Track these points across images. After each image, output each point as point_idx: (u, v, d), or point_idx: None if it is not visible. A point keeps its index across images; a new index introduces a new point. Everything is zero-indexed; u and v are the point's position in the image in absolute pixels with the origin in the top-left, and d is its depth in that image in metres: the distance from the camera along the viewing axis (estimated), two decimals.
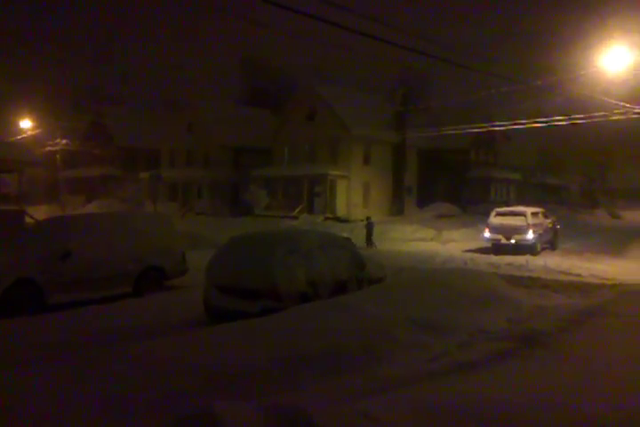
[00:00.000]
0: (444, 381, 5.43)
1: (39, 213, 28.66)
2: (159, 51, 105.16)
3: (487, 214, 22.25)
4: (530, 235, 20.14)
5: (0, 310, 9.48)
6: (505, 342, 6.90)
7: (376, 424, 3.87)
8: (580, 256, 20.24)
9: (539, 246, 20.86)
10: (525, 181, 48.04)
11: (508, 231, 20.47)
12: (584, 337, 7.13)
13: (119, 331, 8.37)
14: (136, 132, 47.28)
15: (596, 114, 23.23)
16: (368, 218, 24.42)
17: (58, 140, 46.91)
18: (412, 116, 39.11)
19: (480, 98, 31.23)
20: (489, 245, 21.45)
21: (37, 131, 41.22)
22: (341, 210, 35.04)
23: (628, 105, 20.90)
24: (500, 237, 20.74)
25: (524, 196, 46.53)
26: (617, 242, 23.95)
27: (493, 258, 19.38)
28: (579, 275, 15.44)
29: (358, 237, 22.52)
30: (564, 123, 26.16)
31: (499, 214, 21.53)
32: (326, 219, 33.03)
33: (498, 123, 29.14)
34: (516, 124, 27.64)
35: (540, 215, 21.85)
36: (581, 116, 24.35)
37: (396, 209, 37.85)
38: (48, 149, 47.37)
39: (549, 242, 22.18)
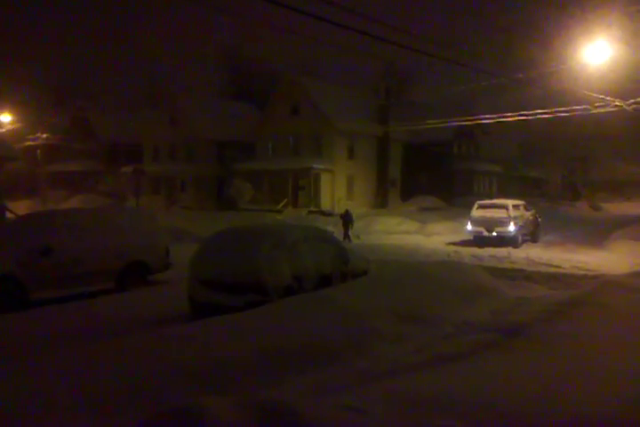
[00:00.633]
0: (427, 373, 5.48)
1: (20, 208, 28.30)
2: (141, 44, 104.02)
3: (470, 207, 22.37)
4: (511, 227, 20.29)
5: None
6: (488, 334, 6.97)
7: (360, 417, 3.89)
8: (562, 248, 20.47)
9: (520, 239, 21.01)
10: (507, 174, 48.40)
11: (490, 224, 20.62)
12: (566, 328, 7.21)
13: (101, 327, 8.31)
14: (118, 126, 46.83)
15: (577, 107, 23.43)
16: (346, 210, 24.12)
17: (39, 135, 46.32)
18: (396, 110, 39.18)
19: (462, 91, 31.37)
20: (472, 237, 21.59)
21: (18, 125, 40.61)
22: (326, 203, 35.06)
23: (608, 98, 21.10)
24: (481, 229, 20.89)
25: (507, 188, 46.90)
26: (598, 234, 24.24)
27: (476, 250, 19.55)
28: (560, 266, 15.62)
29: (342, 231, 22.59)
30: (545, 116, 26.36)
31: (480, 207, 21.65)
32: (311, 212, 33.03)
33: (481, 116, 29.24)
34: (500, 117, 27.78)
35: (521, 208, 21.99)
36: (562, 109, 24.54)
37: (381, 202, 37.98)
38: (29, 143, 46.78)
39: (531, 234, 22.34)
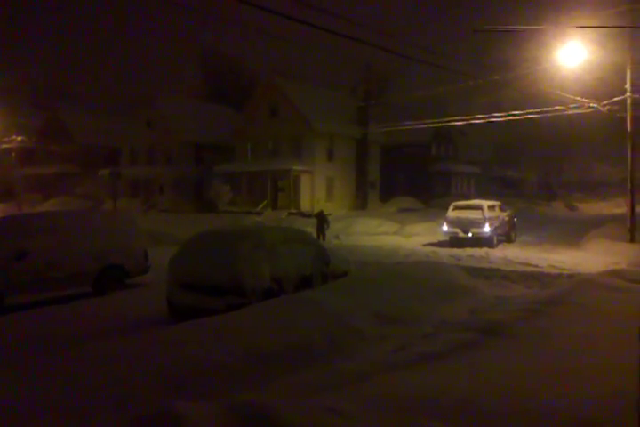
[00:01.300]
0: (407, 372, 5.50)
1: None
2: (118, 47, 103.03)
3: (448, 208, 22.49)
4: (486, 228, 20.37)
5: None
6: (467, 333, 7.03)
7: (341, 418, 3.90)
8: (539, 247, 20.73)
9: (496, 239, 21.11)
10: (485, 175, 48.92)
11: (466, 225, 20.67)
12: (543, 326, 7.30)
13: (78, 331, 8.20)
14: (95, 128, 46.30)
15: (552, 108, 23.76)
16: (320, 211, 24.05)
17: (14, 137, 45.51)
18: (375, 112, 39.35)
19: (440, 93, 31.62)
20: (447, 238, 21.66)
21: None
22: (305, 205, 35.05)
23: (583, 99, 21.44)
24: (457, 230, 20.92)
25: (484, 189, 47.42)
26: (574, 233, 24.59)
27: (455, 250, 19.70)
28: (537, 266, 15.80)
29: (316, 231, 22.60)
30: (521, 117, 26.68)
31: (456, 208, 21.67)
32: (290, 214, 33.00)
33: (458, 118, 29.50)
34: (476, 118, 28.03)
35: (496, 208, 22.07)
36: (538, 110, 24.87)
37: (360, 203, 38.09)
38: (4, 146, 45.96)
39: (506, 234, 22.44)
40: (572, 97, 21.57)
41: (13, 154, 45.92)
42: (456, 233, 21.00)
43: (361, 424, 3.93)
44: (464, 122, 29.34)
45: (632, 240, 18.72)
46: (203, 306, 8.49)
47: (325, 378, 5.43)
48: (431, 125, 32.50)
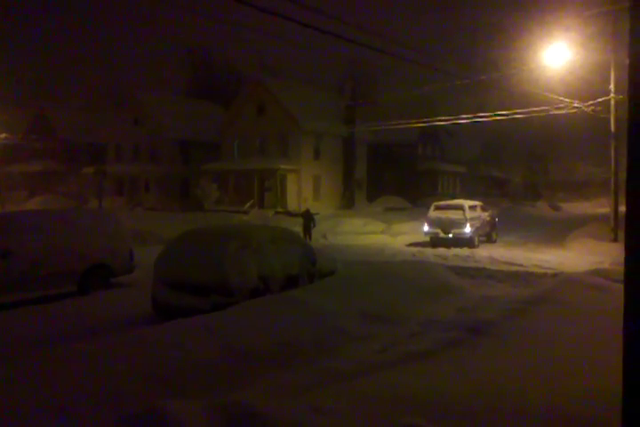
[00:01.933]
0: (393, 371, 5.52)
1: None
2: (104, 43, 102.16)
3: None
4: (467, 228, 20.24)
5: None
6: (453, 332, 7.07)
7: (325, 417, 3.90)
8: (523, 247, 20.89)
9: (477, 240, 20.95)
10: (471, 175, 49.22)
11: (447, 225, 20.49)
12: (528, 325, 7.37)
13: (63, 330, 8.13)
14: (80, 125, 45.89)
15: (538, 108, 23.95)
16: (307, 210, 23.90)
17: None
18: (362, 111, 39.42)
19: (427, 93, 31.74)
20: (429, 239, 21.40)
21: None
22: (292, 204, 35.03)
23: (567, 100, 21.63)
24: (438, 230, 20.74)
25: (471, 188, 47.72)
26: (558, 233, 24.83)
27: (441, 250, 19.77)
28: (522, 265, 15.93)
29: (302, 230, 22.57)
30: (507, 117, 26.85)
31: (437, 208, 21.49)
32: (277, 213, 32.95)
33: (444, 117, 29.62)
34: (461, 118, 28.16)
35: (478, 208, 21.95)
36: (523, 110, 25.03)
37: (347, 203, 38.14)
38: None
39: (487, 235, 22.32)
40: (556, 97, 21.75)
41: None
42: (437, 233, 20.83)
43: (346, 423, 3.94)
44: (450, 122, 29.47)
45: (615, 240, 18.92)
46: (188, 305, 8.45)
47: (311, 377, 5.43)
48: (417, 125, 32.59)
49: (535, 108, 23.93)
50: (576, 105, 21.43)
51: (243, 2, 7.50)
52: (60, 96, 57.05)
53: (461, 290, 10.43)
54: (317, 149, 37.22)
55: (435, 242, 21.05)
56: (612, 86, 19.24)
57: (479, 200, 24.87)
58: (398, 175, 42.32)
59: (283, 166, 34.71)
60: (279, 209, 34.01)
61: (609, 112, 19.75)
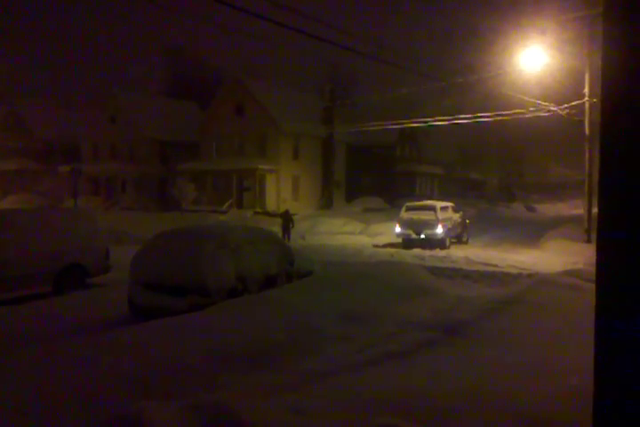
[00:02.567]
0: (370, 372, 5.55)
1: None
2: (80, 40, 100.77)
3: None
4: (439, 229, 20.13)
5: None
6: (429, 332, 7.14)
7: (303, 417, 3.91)
8: (499, 247, 21.13)
9: (448, 241, 20.89)
10: (448, 176, 49.63)
11: (419, 226, 20.35)
12: (502, 325, 7.46)
13: (37, 332, 8.01)
14: (55, 124, 45.18)
15: (513, 111, 24.26)
16: (286, 210, 23.93)
17: None
18: (341, 112, 39.49)
19: (405, 95, 31.90)
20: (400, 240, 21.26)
21: None
22: (271, 204, 34.95)
23: (543, 103, 21.95)
24: (410, 232, 20.62)
25: (447, 190, 48.12)
26: (532, 234, 25.17)
27: (418, 250, 19.87)
28: (497, 265, 16.12)
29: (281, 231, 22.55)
30: (483, 120, 27.15)
31: (409, 209, 21.34)
32: (256, 213, 32.86)
33: (421, 119, 29.81)
34: (438, 120, 28.37)
35: (449, 210, 21.85)
36: (498, 113, 25.31)
37: (326, 203, 38.19)
38: None
39: (457, 236, 22.23)
40: (532, 100, 22.06)
41: None
42: (409, 235, 20.69)
43: (323, 423, 3.95)
44: (427, 124, 29.68)
45: (589, 241, 19.24)
46: (165, 306, 8.40)
47: (289, 378, 5.44)
48: (395, 127, 32.78)
49: (511, 111, 24.24)
50: (551, 108, 21.75)
51: (221, 2, 7.47)
52: (34, 93, 56.12)
53: (438, 290, 10.52)
54: (296, 149, 37.22)
55: (406, 243, 20.91)
56: (586, 90, 19.56)
57: (456, 201, 25.01)
58: (377, 176, 42.49)
59: (261, 166, 34.62)
60: (258, 209, 33.92)
61: (583, 115, 20.08)
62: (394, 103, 37.84)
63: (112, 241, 15.25)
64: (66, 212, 15.49)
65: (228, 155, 36.95)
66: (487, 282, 13.21)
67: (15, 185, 43.91)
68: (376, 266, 12.14)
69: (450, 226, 21.07)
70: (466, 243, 22.58)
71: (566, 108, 20.93)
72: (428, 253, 19.28)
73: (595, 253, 3.01)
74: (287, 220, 23.09)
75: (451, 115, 27.81)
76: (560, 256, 17.67)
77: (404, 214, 21.16)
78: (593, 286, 1.75)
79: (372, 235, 25.72)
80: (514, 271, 14.91)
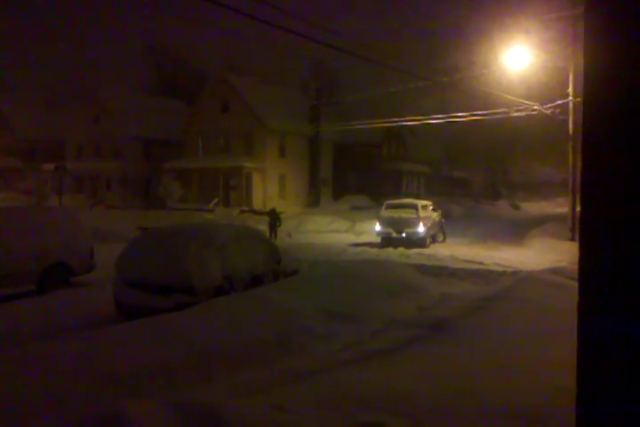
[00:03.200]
0: (355, 369, 5.57)
1: None
2: (63, 37, 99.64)
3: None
4: (421, 228, 19.84)
5: None
6: (415, 330, 7.17)
7: (286, 415, 3.91)
8: (484, 245, 21.24)
9: (428, 240, 20.63)
10: (434, 174, 49.87)
11: (399, 225, 20.02)
12: (487, 322, 7.52)
13: (20, 331, 7.92)
14: (38, 121, 44.73)
15: (498, 110, 24.43)
16: (272, 209, 23.77)
17: None
18: (327, 110, 39.52)
19: (391, 93, 32.02)
20: (379, 239, 20.86)
21: None
22: (258, 203, 34.89)
23: (527, 102, 22.12)
24: (390, 230, 20.27)
25: (434, 188, 48.36)
26: (517, 231, 25.37)
27: (403, 249, 19.87)
28: (483, 263, 16.21)
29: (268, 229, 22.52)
30: (467, 119, 27.30)
31: (389, 207, 21.03)
32: (242, 212, 32.77)
33: (407, 118, 29.92)
34: (425, 118, 28.48)
35: (429, 208, 21.63)
36: (483, 112, 25.47)
37: (312, 201, 38.20)
38: None
39: (433, 235, 21.83)
40: (516, 99, 22.22)
41: None
42: (389, 233, 20.32)
43: (306, 420, 3.95)
44: (413, 122, 29.79)
45: (573, 239, 19.42)
46: (151, 305, 8.36)
47: (273, 376, 5.43)
48: (380, 125, 32.86)
49: (496, 110, 24.40)
50: (536, 107, 21.92)
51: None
52: (17, 91, 55.33)
53: (423, 288, 10.57)
54: (283, 147, 37.16)
55: (385, 242, 20.48)
56: (570, 89, 19.73)
57: (442, 199, 25.10)
58: (363, 174, 42.59)
59: (248, 164, 34.53)
60: (244, 207, 33.83)
61: (567, 115, 20.26)
62: (380, 102, 37.95)
63: (96, 239, 15.11)
64: (50, 210, 15.35)
65: (214, 153, 36.81)
66: (472, 279, 13.27)
67: None
68: (362, 264, 12.18)
69: (430, 224, 20.82)
70: (441, 242, 22.26)
71: (551, 107, 21.09)
72: (413, 251, 19.31)
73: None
74: (274, 218, 23.02)
75: (436, 113, 27.94)
76: (544, 254, 17.82)
77: (385, 212, 20.82)
78: (576, 284, 1.78)
79: (358, 233, 25.75)
80: (499, 269, 15.01)
